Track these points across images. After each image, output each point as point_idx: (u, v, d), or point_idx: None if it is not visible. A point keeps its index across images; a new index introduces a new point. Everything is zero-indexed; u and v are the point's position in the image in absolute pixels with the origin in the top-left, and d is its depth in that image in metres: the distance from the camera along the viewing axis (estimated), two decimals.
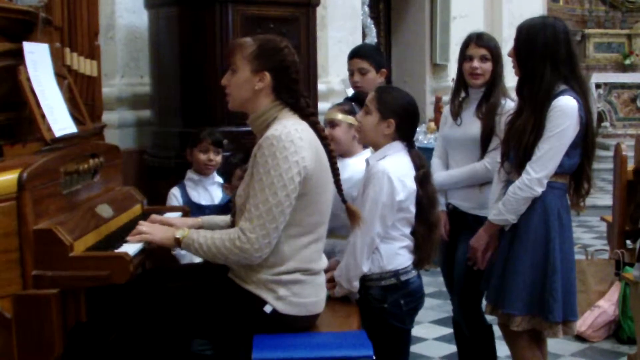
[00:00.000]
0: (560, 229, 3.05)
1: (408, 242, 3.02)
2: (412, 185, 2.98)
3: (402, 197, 2.93)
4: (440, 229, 3.28)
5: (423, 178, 3.02)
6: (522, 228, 3.06)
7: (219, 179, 3.96)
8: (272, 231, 2.51)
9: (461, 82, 3.54)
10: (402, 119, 3.01)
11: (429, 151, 3.96)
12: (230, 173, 3.75)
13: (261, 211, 2.49)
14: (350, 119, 3.32)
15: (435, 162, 3.63)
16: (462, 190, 3.50)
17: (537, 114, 2.98)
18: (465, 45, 3.50)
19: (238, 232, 2.52)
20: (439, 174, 3.53)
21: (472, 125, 3.46)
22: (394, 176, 2.90)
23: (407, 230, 3.02)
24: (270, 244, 2.53)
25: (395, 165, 2.94)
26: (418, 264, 3.05)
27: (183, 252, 3.02)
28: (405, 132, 3.05)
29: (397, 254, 2.98)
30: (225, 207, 3.82)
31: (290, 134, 2.53)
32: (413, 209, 3.00)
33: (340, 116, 3.35)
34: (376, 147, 3.06)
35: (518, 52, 3.07)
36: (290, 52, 2.71)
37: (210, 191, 3.91)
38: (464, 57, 3.50)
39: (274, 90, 2.68)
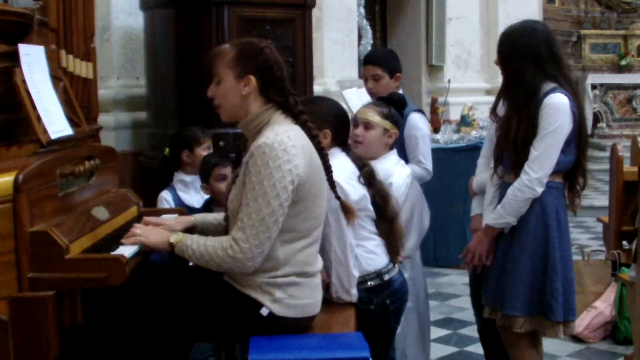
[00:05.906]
0: (559, 229, 3.06)
1: (380, 240, 2.99)
2: (361, 185, 2.95)
3: (356, 198, 2.89)
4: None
5: (368, 176, 2.98)
6: (521, 229, 3.06)
7: None
8: (265, 240, 2.49)
9: None
10: (336, 127, 2.97)
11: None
12: (208, 173, 3.68)
13: (254, 221, 2.47)
14: (387, 124, 3.28)
15: (481, 162, 3.50)
16: None
17: (520, 112, 3.01)
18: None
19: (230, 241, 2.51)
20: (482, 176, 3.41)
21: None
22: (341, 179, 2.84)
23: (374, 229, 2.99)
24: (263, 252, 2.51)
25: (339, 170, 2.84)
26: (391, 259, 3.02)
27: None
28: (341, 139, 3.00)
29: (373, 253, 2.95)
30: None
31: (283, 142, 2.49)
32: (371, 207, 2.98)
33: (377, 119, 3.28)
34: None
35: (501, 57, 3.12)
36: (271, 51, 2.65)
37: (201, 192, 3.87)
38: None
39: (262, 92, 2.63)
